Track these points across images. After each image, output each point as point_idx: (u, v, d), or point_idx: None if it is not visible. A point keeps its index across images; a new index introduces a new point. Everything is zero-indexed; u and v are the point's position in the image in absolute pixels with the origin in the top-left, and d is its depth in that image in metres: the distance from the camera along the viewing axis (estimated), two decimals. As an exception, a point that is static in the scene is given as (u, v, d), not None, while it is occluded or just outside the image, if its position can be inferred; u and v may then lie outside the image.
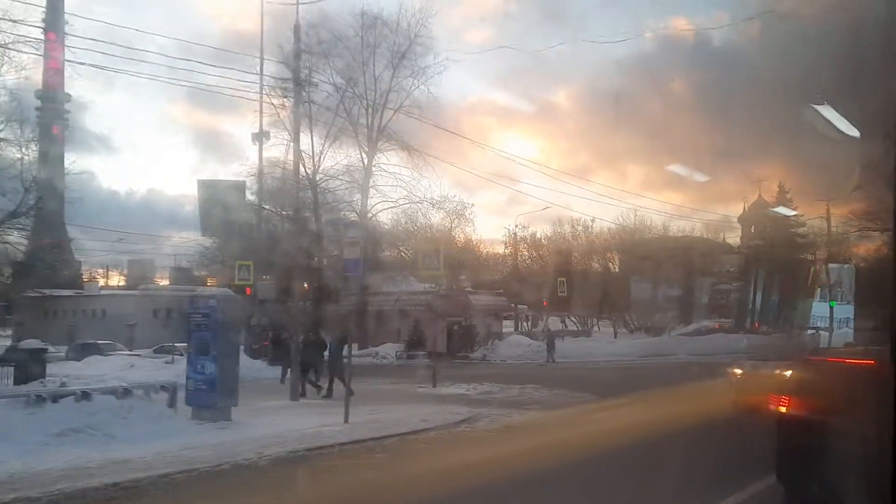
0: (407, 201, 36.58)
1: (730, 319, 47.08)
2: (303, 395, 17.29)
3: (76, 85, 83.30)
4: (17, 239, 34.39)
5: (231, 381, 12.66)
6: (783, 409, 7.16)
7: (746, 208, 48.61)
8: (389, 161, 36.95)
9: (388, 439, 11.10)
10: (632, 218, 48.81)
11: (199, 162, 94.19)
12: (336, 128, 36.19)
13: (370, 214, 36.96)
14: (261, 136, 36.19)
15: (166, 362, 28.14)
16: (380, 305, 40.37)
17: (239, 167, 35.95)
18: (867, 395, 5.73)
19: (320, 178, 37.55)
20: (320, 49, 34.63)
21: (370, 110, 35.62)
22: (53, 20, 52.84)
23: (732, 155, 44.04)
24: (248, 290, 25.78)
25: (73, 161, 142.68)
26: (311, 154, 37.24)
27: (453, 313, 38.02)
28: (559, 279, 35.46)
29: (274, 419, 12.94)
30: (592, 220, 49.41)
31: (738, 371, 15.08)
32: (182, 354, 30.70)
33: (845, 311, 38.01)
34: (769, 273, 45.79)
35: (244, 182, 35.29)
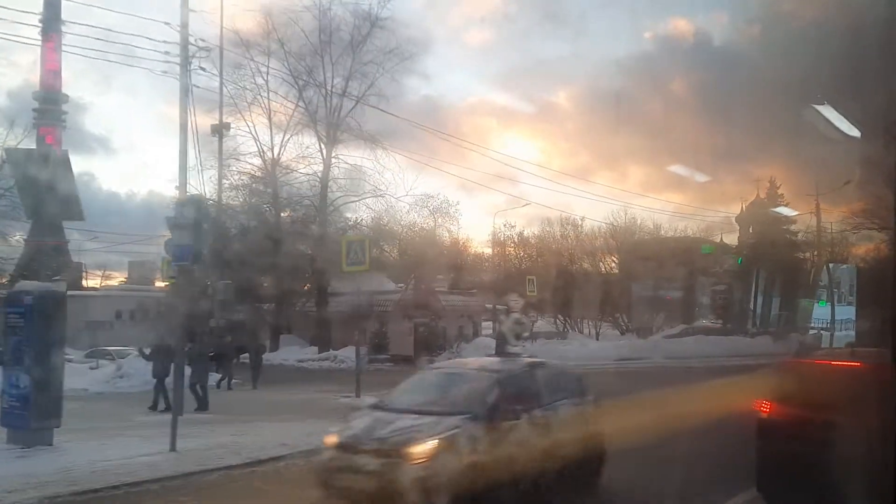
0: (372, 195, 34.25)
1: (721, 321, 45.08)
2: (165, 409, 14.77)
3: (74, 86, 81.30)
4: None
5: (50, 398, 10.41)
6: (763, 415, 6.93)
7: (744, 208, 46.57)
8: (351, 154, 34.74)
9: (214, 473, 8.88)
10: (623, 217, 47.01)
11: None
12: (295, 118, 34.20)
13: (331, 208, 34.70)
14: (220, 128, 34.35)
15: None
16: (343, 307, 38.19)
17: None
18: (853, 397, 5.88)
19: (280, 173, 35.46)
20: (274, 34, 32.68)
21: (328, 98, 33.41)
22: (51, 21, 51.95)
23: (733, 155, 43.97)
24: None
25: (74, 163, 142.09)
26: (269, 146, 35.26)
27: (422, 314, 35.76)
28: (528, 278, 33.11)
29: (105, 443, 10.70)
30: (582, 220, 47.49)
31: None
32: (114, 358, 28.75)
33: (847, 311, 35.86)
34: (765, 273, 43.65)
35: (66, 152, 32.36)
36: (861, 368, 6.92)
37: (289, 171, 35.54)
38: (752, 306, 40.83)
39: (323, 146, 33.88)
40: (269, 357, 32.59)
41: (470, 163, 70.62)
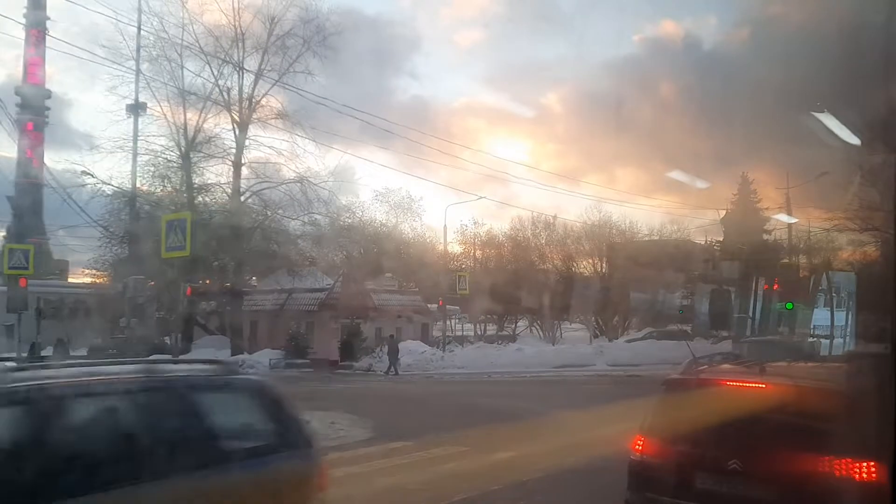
0: (290, 181, 30.86)
1: (690, 325, 42.05)
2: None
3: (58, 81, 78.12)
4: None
5: None
6: (635, 456, 5.10)
7: (728, 210, 43.67)
8: (270, 135, 31.41)
9: None
10: (597, 214, 43.94)
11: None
12: (212, 98, 30.82)
13: (245, 194, 31.29)
14: (136, 108, 31.06)
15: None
16: (264, 305, 34.82)
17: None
18: (753, 430, 4.54)
19: (196, 157, 32.05)
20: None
21: (241, 75, 30.04)
22: (35, 16, 49.94)
23: (723, 158, 41.97)
24: (22, 281, 20.17)
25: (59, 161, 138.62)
26: (183, 127, 31.87)
27: (349, 315, 32.35)
28: (458, 275, 29.81)
29: None
30: (554, 218, 44.37)
31: None
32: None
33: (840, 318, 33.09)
34: (742, 276, 40.70)
35: None
36: (769, 391, 4.78)
37: (205, 156, 32.17)
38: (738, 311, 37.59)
39: (236, 127, 30.48)
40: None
41: (459, 164, 67.18)
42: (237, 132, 30.59)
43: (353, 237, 39.09)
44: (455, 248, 46.22)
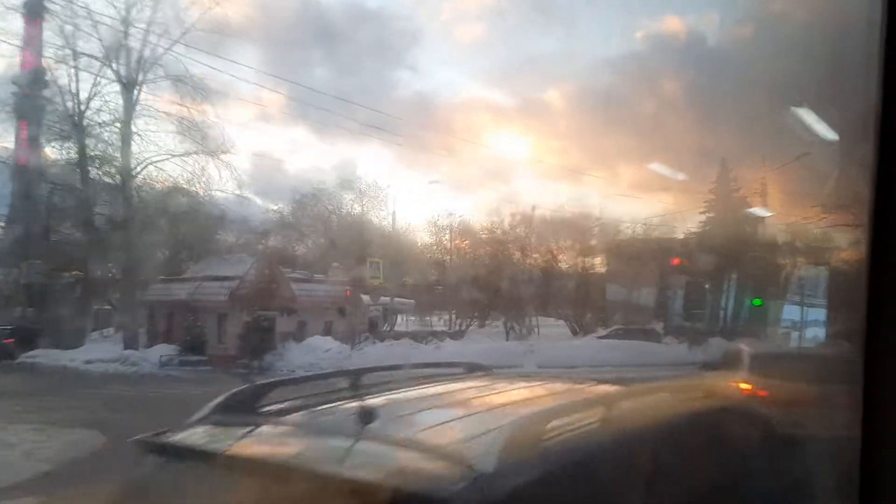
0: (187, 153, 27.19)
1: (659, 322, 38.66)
2: None
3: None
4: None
5: None
6: None
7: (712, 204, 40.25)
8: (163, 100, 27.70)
9: None
10: (580, 204, 42.41)
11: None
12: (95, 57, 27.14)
13: (138, 168, 27.62)
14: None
15: None
16: (178, 295, 31.02)
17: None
18: None
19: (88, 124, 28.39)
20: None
21: (126, 27, 26.33)
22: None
23: (719, 156, 39.11)
24: None
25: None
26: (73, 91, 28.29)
27: (262, 306, 28.61)
28: (370, 261, 26.02)
29: None
30: (533, 209, 40.92)
31: None
32: None
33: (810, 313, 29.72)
34: (716, 269, 37.34)
35: None
36: None
37: (102, 124, 28.54)
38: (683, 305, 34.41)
39: (123, 89, 26.76)
40: (48, 355, 25.75)
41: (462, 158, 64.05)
42: (124, 95, 26.88)
43: (316, 226, 36.43)
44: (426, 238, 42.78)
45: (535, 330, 42.45)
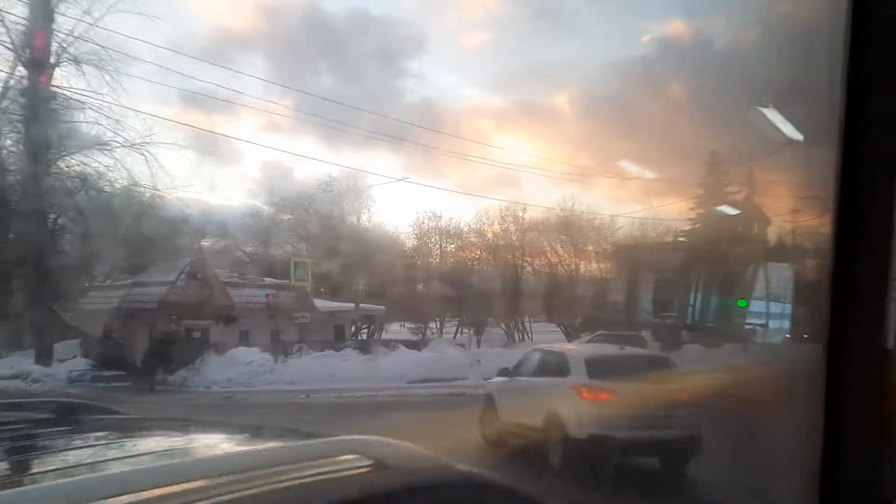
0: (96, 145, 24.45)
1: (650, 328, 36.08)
2: None
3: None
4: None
5: None
6: None
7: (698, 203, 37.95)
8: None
9: None
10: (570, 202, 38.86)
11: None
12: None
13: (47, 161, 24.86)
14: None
15: None
16: (97, 303, 28.25)
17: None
18: None
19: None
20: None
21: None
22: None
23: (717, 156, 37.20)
24: None
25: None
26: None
27: (195, 314, 25.82)
28: (293, 261, 23.11)
29: None
30: (524, 209, 38.93)
31: None
32: None
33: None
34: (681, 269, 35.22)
35: None
36: None
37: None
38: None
39: (21, 66, 24.13)
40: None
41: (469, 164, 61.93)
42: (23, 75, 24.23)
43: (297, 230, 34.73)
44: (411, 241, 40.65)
45: (529, 336, 40.73)
